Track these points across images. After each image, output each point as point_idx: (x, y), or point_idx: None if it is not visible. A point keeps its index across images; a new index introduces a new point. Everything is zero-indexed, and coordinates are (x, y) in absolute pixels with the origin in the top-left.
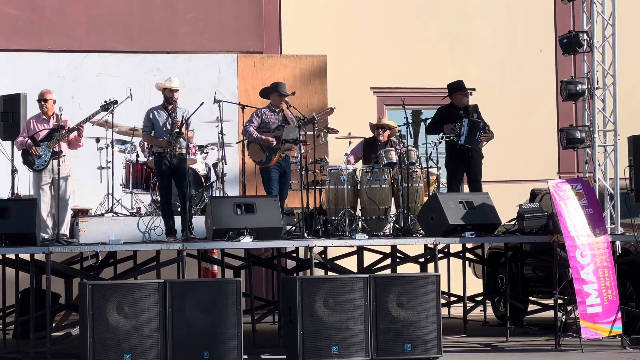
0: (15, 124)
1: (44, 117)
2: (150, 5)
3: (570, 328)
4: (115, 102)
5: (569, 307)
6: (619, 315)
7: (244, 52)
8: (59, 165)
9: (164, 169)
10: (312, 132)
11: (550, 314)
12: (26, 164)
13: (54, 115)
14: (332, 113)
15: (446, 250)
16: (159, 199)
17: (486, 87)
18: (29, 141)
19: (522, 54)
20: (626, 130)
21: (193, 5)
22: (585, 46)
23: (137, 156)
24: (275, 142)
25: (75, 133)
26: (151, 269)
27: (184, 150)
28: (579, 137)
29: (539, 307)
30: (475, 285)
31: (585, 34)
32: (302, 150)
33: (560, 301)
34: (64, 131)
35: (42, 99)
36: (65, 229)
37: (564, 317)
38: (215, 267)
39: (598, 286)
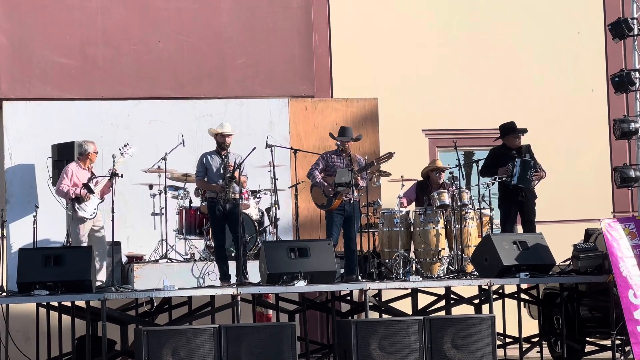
0: None
1: (83, 167)
2: (200, 51)
3: None
4: (127, 144)
5: (627, 348)
6: None
7: (295, 96)
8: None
9: (217, 214)
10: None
11: (608, 354)
12: (75, 212)
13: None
14: (392, 158)
15: (501, 291)
16: (213, 244)
17: (538, 127)
18: (82, 190)
19: (573, 93)
20: None
21: (243, 51)
22: (637, 84)
23: (191, 202)
24: (332, 193)
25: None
26: (206, 314)
27: (237, 195)
28: (633, 175)
29: (596, 348)
30: (531, 326)
31: (637, 72)
32: (355, 194)
33: (618, 342)
34: (107, 179)
35: (96, 152)
36: (103, 276)
37: (622, 357)
38: (270, 312)
39: None
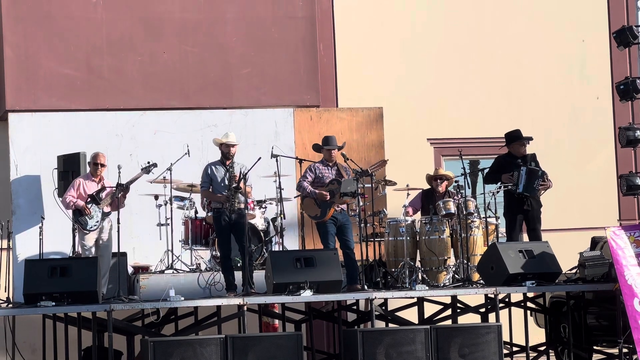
0: None
1: (93, 178)
2: (205, 61)
3: None
4: (155, 164)
5: (635, 356)
6: None
7: (300, 106)
8: (106, 224)
9: (223, 224)
10: (369, 185)
11: None
12: (78, 224)
13: (102, 177)
14: (386, 164)
15: (507, 299)
16: (219, 254)
17: (543, 136)
18: (80, 202)
19: (578, 101)
20: None
21: (248, 61)
22: None
23: (196, 212)
24: (329, 197)
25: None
26: (212, 325)
27: (242, 205)
28: (639, 183)
29: (603, 357)
30: (538, 335)
31: None
32: (361, 203)
33: (625, 350)
34: (120, 192)
35: (101, 164)
36: (104, 288)
37: None
38: (276, 321)
39: None
